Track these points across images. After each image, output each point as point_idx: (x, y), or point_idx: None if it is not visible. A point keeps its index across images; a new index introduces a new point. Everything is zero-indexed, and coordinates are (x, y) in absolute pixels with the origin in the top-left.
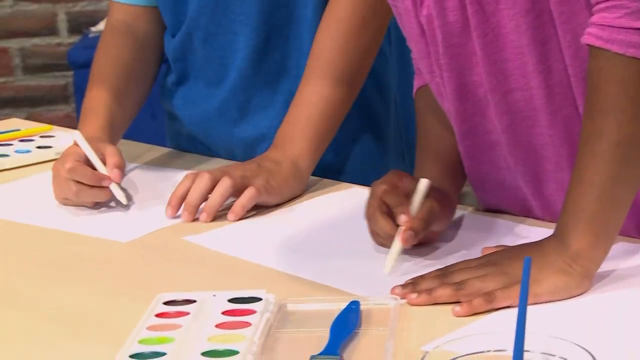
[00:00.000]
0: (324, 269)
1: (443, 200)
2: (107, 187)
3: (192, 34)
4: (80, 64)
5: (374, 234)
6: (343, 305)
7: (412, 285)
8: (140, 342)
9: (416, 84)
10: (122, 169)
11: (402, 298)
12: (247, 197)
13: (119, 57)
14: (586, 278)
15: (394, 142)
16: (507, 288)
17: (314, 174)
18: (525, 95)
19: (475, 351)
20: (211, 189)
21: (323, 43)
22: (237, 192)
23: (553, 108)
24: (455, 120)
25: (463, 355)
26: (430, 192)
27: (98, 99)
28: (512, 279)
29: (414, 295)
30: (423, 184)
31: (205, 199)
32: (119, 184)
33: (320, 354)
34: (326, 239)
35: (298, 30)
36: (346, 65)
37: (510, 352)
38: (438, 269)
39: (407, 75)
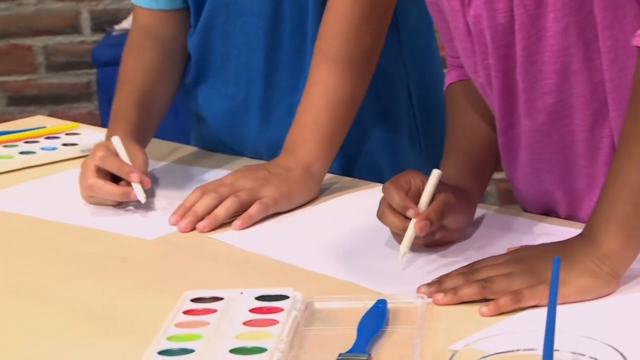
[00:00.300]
0: (350, 267)
1: (460, 195)
2: (124, 187)
3: (210, 32)
4: (103, 62)
5: (393, 234)
6: (370, 303)
7: (438, 284)
8: (169, 339)
9: (447, 80)
10: (145, 172)
11: (428, 297)
12: (256, 210)
13: (145, 60)
14: (614, 279)
15: (409, 135)
16: (534, 287)
17: (332, 172)
18: (561, 95)
19: (504, 350)
20: (217, 206)
21: (324, 43)
22: (244, 208)
23: (587, 109)
24: (497, 116)
25: (492, 354)
26: (447, 187)
27: (126, 103)
28: (539, 277)
29: (440, 296)
30: (435, 174)
31: (210, 213)
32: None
33: (349, 351)
34: (352, 238)
35: (310, 27)
36: (350, 64)
37: (539, 351)
38: (463, 266)
39: (419, 67)
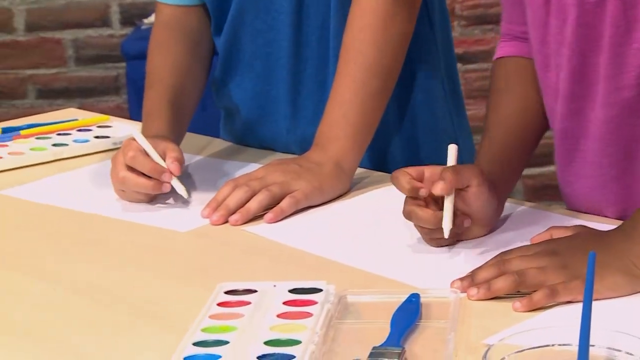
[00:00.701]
0: (382, 261)
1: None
2: (155, 180)
3: (238, 30)
4: (133, 56)
5: (419, 228)
6: (403, 297)
7: (470, 278)
8: (203, 330)
9: (499, 52)
10: (181, 163)
11: (461, 292)
12: (287, 204)
13: (173, 55)
14: None
15: (445, 128)
16: (568, 283)
17: (363, 166)
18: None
19: (539, 345)
20: (249, 200)
21: (351, 37)
22: (276, 201)
23: None
24: (563, 100)
25: (527, 349)
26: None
27: (158, 101)
28: (573, 273)
29: (473, 291)
30: (452, 149)
31: (242, 207)
32: (179, 180)
33: (382, 345)
34: (384, 231)
35: (333, 22)
36: (377, 57)
37: (575, 346)
38: (494, 257)
39: (446, 59)
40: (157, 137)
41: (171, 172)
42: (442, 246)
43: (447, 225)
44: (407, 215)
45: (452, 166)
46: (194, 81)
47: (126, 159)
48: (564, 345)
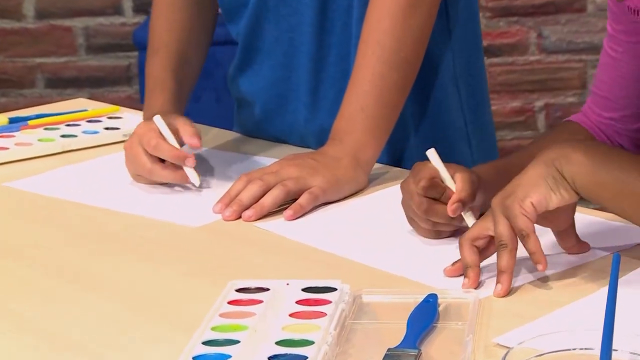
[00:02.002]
0: (399, 260)
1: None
2: (181, 171)
3: (261, 15)
4: (145, 45)
5: (431, 228)
6: (419, 297)
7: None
8: (213, 329)
9: (572, 117)
10: (199, 136)
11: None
12: (306, 201)
13: (176, 20)
14: None
15: (458, 127)
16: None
17: (381, 162)
18: None
19: (560, 349)
20: (263, 195)
21: (370, 26)
22: (291, 197)
23: None
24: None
25: (547, 353)
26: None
27: (162, 68)
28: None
29: (499, 287)
30: (430, 153)
31: (256, 202)
32: (193, 168)
33: (398, 347)
34: (401, 230)
35: (357, 7)
36: (396, 49)
37: (597, 350)
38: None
39: (466, 58)
40: (164, 113)
41: (191, 157)
42: (439, 238)
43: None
44: (425, 212)
45: (466, 187)
46: (198, 46)
47: (149, 148)
48: (585, 349)
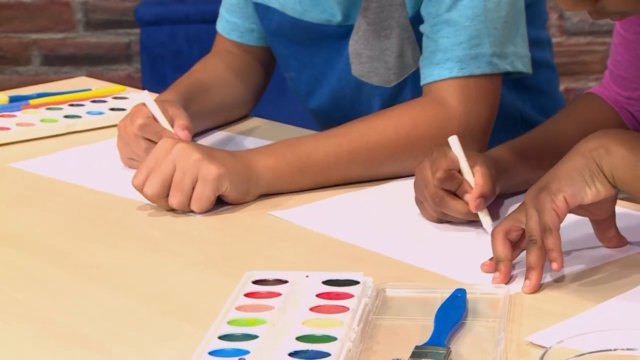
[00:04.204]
0: (425, 253)
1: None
2: None
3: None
4: (147, 21)
5: (441, 216)
6: (447, 292)
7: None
8: (230, 323)
9: (594, 89)
10: (190, 130)
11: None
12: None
13: (213, 71)
14: None
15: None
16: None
17: None
18: None
19: (601, 349)
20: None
21: (384, 116)
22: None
23: None
24: None
25: (587, 353)
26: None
27: (175, 84)
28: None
29: (527, 284)
30: (452, 141)
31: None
32: None
33: (426, 344)
34: (426, 221)
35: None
36: (377, 148)
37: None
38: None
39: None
40: (165, 102)
41: (185, 133)
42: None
43: (489, 227)
44: (437, 204)
45: (487, 182)
46: (229, 89)
47: (135, 128)
48: (628, 350)
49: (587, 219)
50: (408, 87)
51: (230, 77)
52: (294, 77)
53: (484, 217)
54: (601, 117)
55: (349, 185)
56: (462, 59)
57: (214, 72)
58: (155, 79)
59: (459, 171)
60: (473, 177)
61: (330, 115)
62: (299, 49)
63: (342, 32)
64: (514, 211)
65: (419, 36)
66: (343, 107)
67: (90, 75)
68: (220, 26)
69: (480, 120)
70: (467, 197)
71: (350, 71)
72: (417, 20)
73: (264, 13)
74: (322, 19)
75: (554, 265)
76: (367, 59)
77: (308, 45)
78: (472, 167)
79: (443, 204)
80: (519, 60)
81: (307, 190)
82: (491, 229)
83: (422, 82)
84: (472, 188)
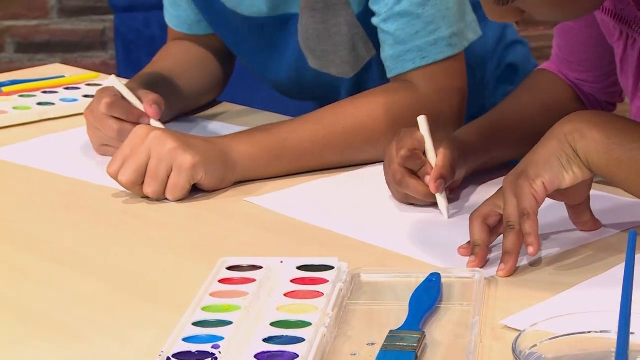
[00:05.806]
0: (400, 237)
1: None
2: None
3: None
4: (122, 7)
5: (406, 196)
6: (421, 277)
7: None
8: (204, 309)
9: (545, 64)
10: (160, 106)
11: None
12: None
13: (176, 56)
14: None
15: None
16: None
17: None
18: None
19: (575, 332)
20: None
21: (362, 102)
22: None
23: None
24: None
25: (561, 336)
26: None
27: (140, 74)
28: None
29: (502, 266)
30: (421, 120)
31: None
32: (159, 121)
33: (400, 328)
34: (400, 206)
35: None
36: (352, 136)
37: (614, 334)
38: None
39: None
40: (131, 88)
41: (153, 109)
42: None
43: (445, 211)
44: (398, 183)
45: (448, 164)
46: (193, 75)
47: (102, 106)
48: (601, 332)
49: (562, 203)
50: (373, 69)
51: (192, 63)
52: (246, 65)
53: (441, 200)
54: (558, 92)
55: (325, 170)
56: (423, 48)
57: (175, 59)
58: (130, 65)
59: (425, 152)
60: (435, 158)
61: (295, 92)
62: (242, 38)
63: (277, 23)
64: (492, 196)
65: (368, 29)
66: (306, 87)
67: (65, 62)
68: (168, 19)
69: (452, 104)
70: (427, 178)
71: (306, 61)
72: (365, 16)
73: (203, 4)
74: (252, 11)
75: (530, 250)
76: (322, 53)
77: (249, 35)
78: (437, 148)
79: (404, 183)
80: (471, 30)
81: (283, 176)
82: (447, 212)
83: (389, 75)
84: (430, 172)
